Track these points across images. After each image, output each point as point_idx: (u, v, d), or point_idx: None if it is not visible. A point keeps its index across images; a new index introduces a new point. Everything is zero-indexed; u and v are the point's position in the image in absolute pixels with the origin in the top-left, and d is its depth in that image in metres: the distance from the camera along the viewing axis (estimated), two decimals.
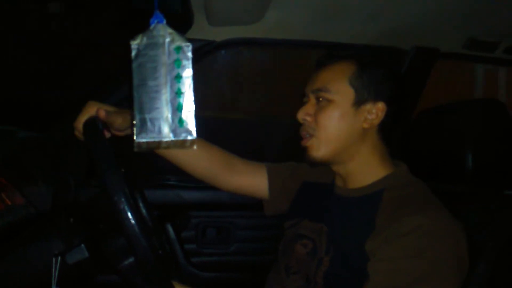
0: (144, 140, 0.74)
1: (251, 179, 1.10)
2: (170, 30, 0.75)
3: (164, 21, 0.75)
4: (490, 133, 1.00)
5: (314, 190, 1.03)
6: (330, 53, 0.95)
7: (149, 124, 0.74)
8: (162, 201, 1.46)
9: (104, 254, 0.82)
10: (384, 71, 0.90)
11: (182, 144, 0.75)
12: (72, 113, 1.26)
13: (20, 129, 1.25)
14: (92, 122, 0.85)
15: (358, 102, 0.88)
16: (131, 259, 0.80)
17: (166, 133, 0.75)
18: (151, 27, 0.75)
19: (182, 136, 0.75)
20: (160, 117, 0.74)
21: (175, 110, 0.75)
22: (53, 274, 0.78)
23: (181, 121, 0.75)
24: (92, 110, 0.93)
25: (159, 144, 0.75)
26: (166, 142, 0.75)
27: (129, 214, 0.72)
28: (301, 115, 0.91)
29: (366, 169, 0.90)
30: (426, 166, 1.09)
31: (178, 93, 0.75)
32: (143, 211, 1.07)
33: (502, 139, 1.01)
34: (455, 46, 1.39)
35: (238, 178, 1.09)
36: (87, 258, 0.81)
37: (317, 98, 0.90)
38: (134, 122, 0.74)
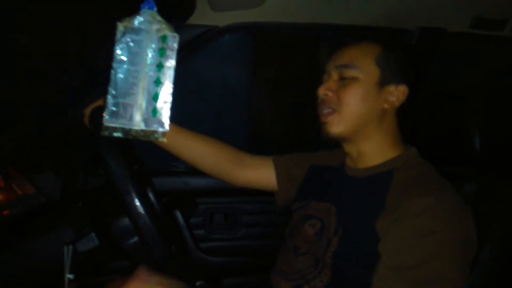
0: (113, 125, 0.73)
1: (258, 173, 1.11)
2: (159, 18, 0.73)
3: (155, 8, 0.73)
4: (498, 116, 0.99)
5: (322, 172, 1.04)
6: (353, 34, 0.94)
7: (121, 109, 0.73)
8: (170, 188, 1.47)
9: (111, 235, 0.83)
10: (407, 54, 0.91)
11: (151, 134, 0.74)
12: (78, 103, 1.26)
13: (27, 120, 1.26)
14: (99, 110, 0.86)
15: (382, 83, 0.88)
16: (135, 239, 0.82)
17: (137, 122, 0.73)
18: (141, 12, 0.74)
19: (153, 127, 0.74)
20: (134, 104, 0.73)
21: (151, 99, 0.73)
22: (66, 262, 0.80)
23: (154, 111, 0.73)
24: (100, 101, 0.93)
25: (128, 131, 0.74)
26: (136, 130, 0.74)
27: (136, 201, 0.73)
28: (322, 91, 0.91)
29: (378, 150, 0.90)
30: (433, 148, 1.08)
31: (157, 82, 0.73)
32: (150, 196, 1.08)
33: (509, 122, 1.00)
34: (461, 25, 1.36)
35: (246, 172, 1.10)
36: (98, 246, 0.82)
37: (341, 75, 0.89)
38: (106, 105, 0.73)
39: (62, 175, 1.10)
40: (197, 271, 1.48)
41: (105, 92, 0.75)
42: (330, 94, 0.90)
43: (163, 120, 0.74)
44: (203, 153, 1.07)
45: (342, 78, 0.89)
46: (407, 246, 0.75)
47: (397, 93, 0.88)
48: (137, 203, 0.75)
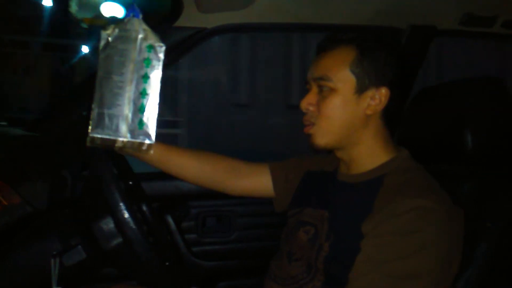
0: (99, 136, 0.72)
1: (255, 181, 1.09)
2: (144, 27, 0.72)
3: (140, 16, 0.72)
4: (490, 112, 0.98)
5: (317, 178, 1.03)
6: (329, 37, 0.92)
7: (107, 120, 0.72)
8: (161, 193, 1.45)
9: (95, 238, 0.82)
10: (385, 54, 0.88)
11: (138, 146, 0.74)
12: (64, 110, 1.24)
13: (13, 127, 1.24)
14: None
15: (360, 89, 0.86)
16: (119, 239, 0.80)
17: (123, 133, 0.72)
18: (125, 20, 0.72)
19: (140, 138, 0.73)
20: (119, 114, 0.72)
21: (137, 111, 0.72)
22: (53, 275, 0.78)
23: (141, 123, 0.73)
24: None
25: (114, 142, 0.73)
26: (122, 141, 0.73)
27: (129, 220, 0.73)
28: (304, 105, 0.90)
29: (369, 155, 0.89)
30: (424, 147, 1.08)
31: (143, 94, 0.72)
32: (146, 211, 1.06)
33: (502, 118, 0.99)
34: (451, 22, 1.36)
35: (244, 181, 1.09)
36: (85, 258, 0.81)
37: (319, 87, 0.89)
38: (91, 115, 0.72)
39: (49, 183, 1.08)
40: (190, 276, 1.46)
41: (90, 103, 0.74)
42: (311, 108, 0.89)
43: (150, 132, 0.73)
44: (197, 170, 1.06)
45: (321, 90, 0.88)
46: (386, 242, 0.76)
47: (379, 96, 0.87)
48: (126, 214, 0.74)
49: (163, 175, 1.49)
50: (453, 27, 1.37)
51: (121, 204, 0.74)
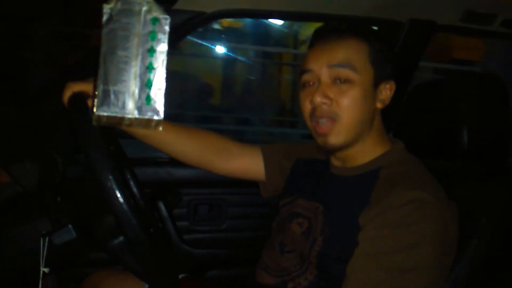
0: (105, 114, 0.70)
1: (246, 162, 1.07)
2: None
3: None
4: (486, 108, 0.98)
5: (309, 167, 1.01)
6: (335, 26, 0.86)
7: (112, 97, 0.69)
8: (153, 179, 1.44)
9: (93, 234, 0.80)
10: (391, 48, 0.88)
11: (146, 123, 0.71)
12: (57, 90, 1.22)
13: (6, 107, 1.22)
14: (82, 96, 0.82)
15: (376, 82, 0.84)
16: (120, 238, 0.79)
17: (130, 110, 0.70)
18: None
19: (148, 114, 0.71)
20: (126, 91, 0.69)
21: (144, 86, 0.70)
22: (41, 254, 0.76)
23: (148, 99, 0.70)
24: (75, 87, 0.88)
25: (121, 120, 0.71)
26: (129, 119, 0.70)
27: (117, 193, 0.70)
28: (319, 99, 0.82)
29: (366, 149, 0.88)
30: (420, 142, 1.07)
31: (149, 68, 0.70)
32: (134, 188, 1.05)
33: (497, 114, 0.99)
34: (452, 18, 1.36)
35: (234, 162, 1.07)
36: (75, 238, 0.79)
37: (336, 75, 0.82)
38: (96, 92, 0.69)
39: (39, 164, 1.06)
40: (180, 264, 1.45)
41: (94, 80, 0.71)
42: (327, 101, 0.82)
43: (158, 108, 0.71)
44: (186, 147, 1.03)
45: (335, 80, 0.82)
46: (383, 235, 0.75)
47: (387, 91, 0.86)
48: (119, 195, 0.72)
49: (155, 161, 1.49)
50: (453, 23, 1.37)
51: (125, 210, 0.71)
